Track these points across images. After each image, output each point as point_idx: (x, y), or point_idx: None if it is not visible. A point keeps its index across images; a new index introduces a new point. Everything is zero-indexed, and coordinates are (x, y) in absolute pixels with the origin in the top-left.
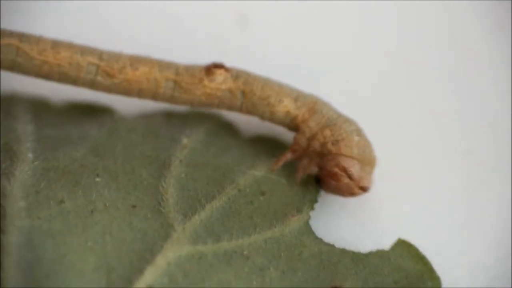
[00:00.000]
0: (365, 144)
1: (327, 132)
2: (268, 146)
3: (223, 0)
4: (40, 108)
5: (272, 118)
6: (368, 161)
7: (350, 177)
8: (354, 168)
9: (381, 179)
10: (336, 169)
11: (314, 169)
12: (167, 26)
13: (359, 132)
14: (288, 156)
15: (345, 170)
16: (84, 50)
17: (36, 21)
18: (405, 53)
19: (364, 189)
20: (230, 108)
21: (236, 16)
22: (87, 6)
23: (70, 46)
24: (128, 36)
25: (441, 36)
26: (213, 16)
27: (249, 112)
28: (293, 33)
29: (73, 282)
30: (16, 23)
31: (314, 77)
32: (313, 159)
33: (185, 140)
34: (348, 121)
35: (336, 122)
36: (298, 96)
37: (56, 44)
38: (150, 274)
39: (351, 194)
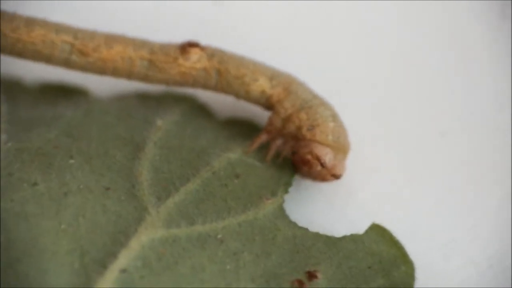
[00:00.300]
0: (340, 131)
1: (303, 116)
2: (243, 128)
3: None
4: (13, 88)
5: (247, 97)
6: (342, 148)
7: (322, 165)
8: (327, 157)
9: (357, 163)
10: (309, 157)
11: (288, 152)
12: (143, 4)
13: (334, 117)
14: (263, 137)
15: (318, 158)
16: (59, 28)
17: None
18: (390, 40)
19: (336, 177)
20: (205, 86)
21: None
22: None
23: (44, 24)
24: (104, 14)
25: (441, 35)
26: None
27: (224, 90)
28: (269, 11)
29: (46, 265)
30: None
31: (289, 56)
32: (287, 140)
33: (159, 122)
34: (324, 104)
35: (311, 105)
36: (273, 75)
37: (30, 22)
38: (124, 257)
39: (323, 180)
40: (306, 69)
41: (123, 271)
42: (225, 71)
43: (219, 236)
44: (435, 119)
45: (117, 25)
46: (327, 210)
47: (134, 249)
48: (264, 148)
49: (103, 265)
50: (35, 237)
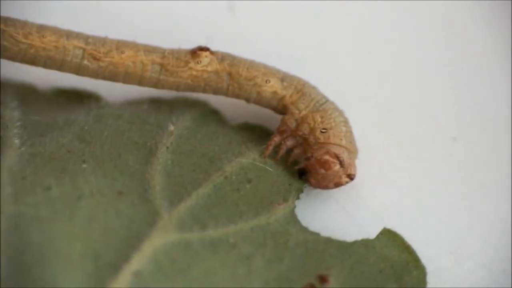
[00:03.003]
0: (351, 136)
1: (318, 118)
2: (255, 133)
3: None
4: (26, 94)
5: (259, 100)
6: (353, 151)
7: (341, 163)
8: (345, 155)
9: (368, 168)
10: (327, 157)
11: (298, 157)
12: (154, 13)
13: (346, 123)
14: (276, 139)
15: (336, 156)
16: (70, 34)
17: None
18: (400, 46)
19: (351, 177)
20: (217, 91)
21: (225, 2)
22: None
23: (55, 30)
24: (115, 22)
25: (440, 33)
26: (202, 3)
27: (236, 94)
28: (282, 20)
29: (59, 268)
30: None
31: (302, 64)
32: (298, 143)
33: (171, 127)
34: (337, 110)
35: (326, 108)
36: (284, 77)
37: (41, 28)
38: (136, 261)
39: (338, 183)
40: (315, 74)
41: (136, 274)
42: (236, 74)
43: (231, 240)
44: (447, 124)
45: (126, 32)
46: (338, 215)
47: (146, 253)
48: (276, 153)
49: (116, 268)
50: (48, 240)
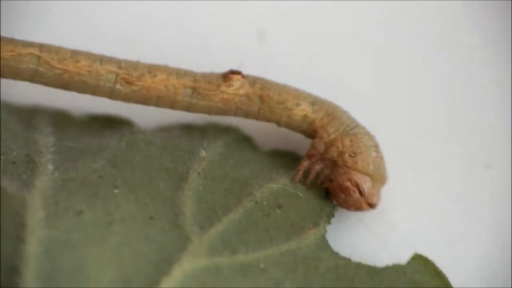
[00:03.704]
0: (381, 162)
1: (347, 142)
2: (285, 159)
3: (242, 13)
4: (61, 120)
5: (290, 123)
6: (380, 179)
7: (361, 193)
8: (366, 185)
9: (398, 192)
10: (348, 184)
11: (324, 179)
12: (185, 39)
13: (376, 148)
14: (305, 163)
15: (357, 185)
16: (103, 59)
17: (39, 32)
18: (427, 71)
19: (372, 206)
20: (248, 114)
21: (255, 29)
22: (105, 18)
23: (89, 55)
24: (147, 48)
25: (452, 47)
26: (232, 30)
27: (267, 118)
28: (312, 46)
29: None
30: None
31: (332, 89)
32: (327, 166)
33: (203, 153)
34: (367, 134)
35: (356, 132)
36: (315, 101)
37: (75, 54)
38: (167, 286)
39: (358, 209)
40: (346, 98)
41: None
42: (267, 97)
43: (261, 265)
44: (479, 150)
45: (158, 58)
46: (369, 240)
47: (176, 277)
48: (306, 177)
49: None
50: (80, 265)
